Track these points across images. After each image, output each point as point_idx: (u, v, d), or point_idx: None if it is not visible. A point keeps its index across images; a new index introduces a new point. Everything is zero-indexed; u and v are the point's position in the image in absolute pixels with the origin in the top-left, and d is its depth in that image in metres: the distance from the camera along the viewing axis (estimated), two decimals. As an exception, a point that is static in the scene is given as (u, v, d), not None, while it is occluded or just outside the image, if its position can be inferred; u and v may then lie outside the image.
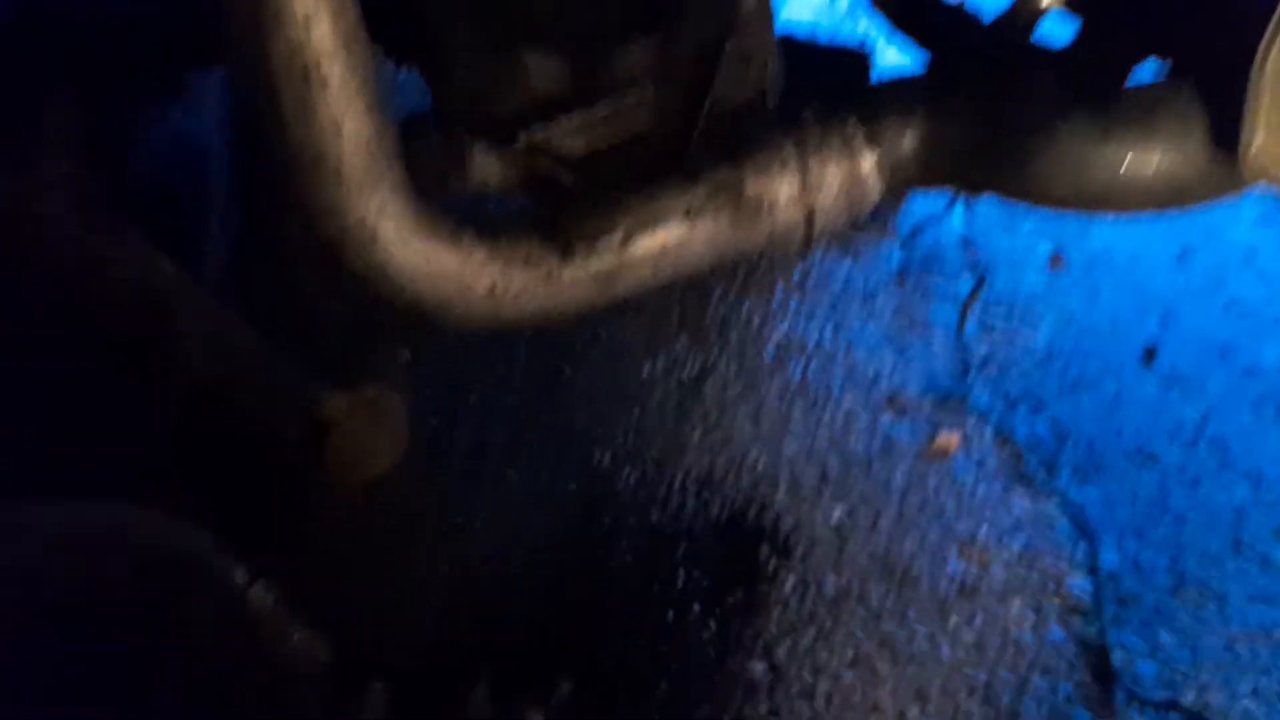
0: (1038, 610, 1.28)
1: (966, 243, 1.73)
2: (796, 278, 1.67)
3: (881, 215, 1.74)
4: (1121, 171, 0.83)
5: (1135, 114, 0.84)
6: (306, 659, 0.90)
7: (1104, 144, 0.83)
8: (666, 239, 0.85)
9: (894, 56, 1.08)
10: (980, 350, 1.57)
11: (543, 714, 1.10)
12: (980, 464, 1.42)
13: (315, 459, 0.93)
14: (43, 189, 0.87)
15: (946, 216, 1.76)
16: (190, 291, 0.91)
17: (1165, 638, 1.26)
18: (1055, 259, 1.69)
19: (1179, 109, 0.84)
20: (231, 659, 0.86)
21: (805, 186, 0.86)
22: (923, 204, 1.77)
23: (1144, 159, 0.83)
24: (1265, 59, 0.68)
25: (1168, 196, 0.87)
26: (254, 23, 0.65)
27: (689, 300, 1.63)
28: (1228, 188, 0.88)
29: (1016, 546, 1.34)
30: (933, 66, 1.04)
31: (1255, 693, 1.22)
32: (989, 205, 1.73)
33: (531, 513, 1.37)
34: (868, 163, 0.87)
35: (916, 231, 1.74)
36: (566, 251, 0.83)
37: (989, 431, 1.46)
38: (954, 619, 1.28)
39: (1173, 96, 0.85)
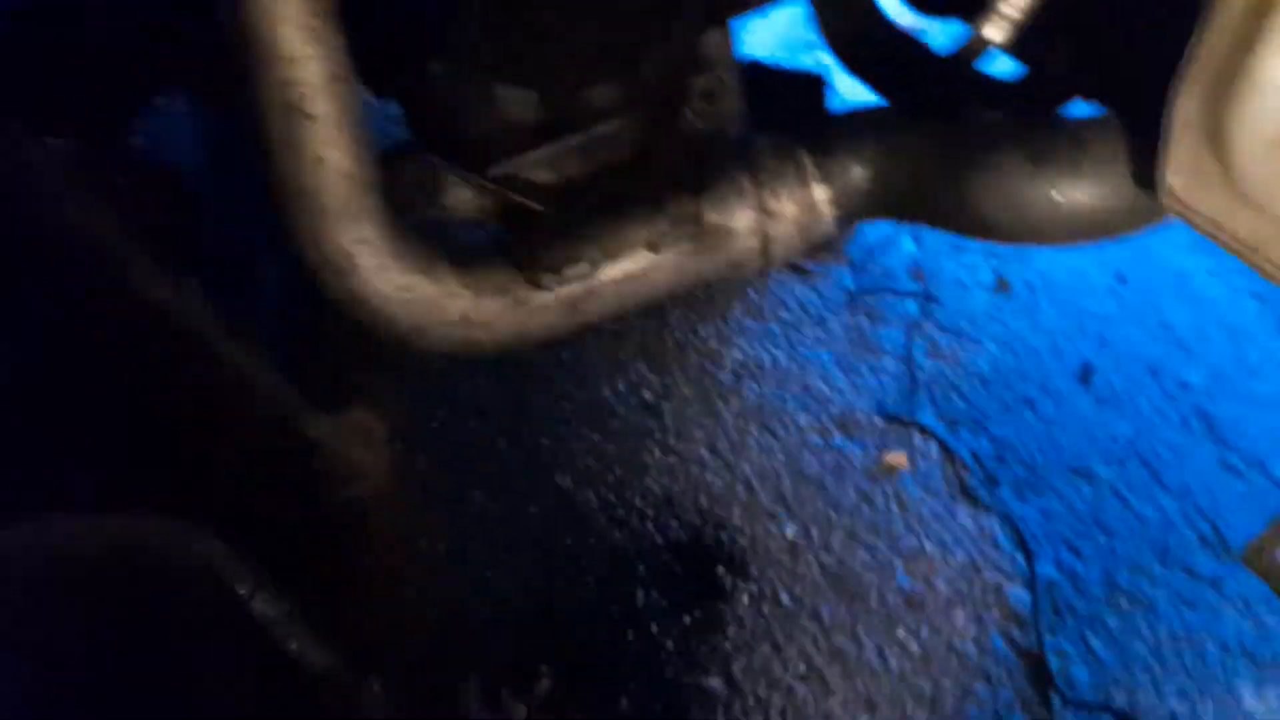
0: (979, 621, 1.33)
1: (915, 267, 1.78)
2: (753, 302, 1.72)
3: (834, 241, 1.78)
4: (1052, 205, 0.87)
5: (1064, 150, 0.88)
6: (308, 663, 0.92)
7: (1035, 178, 0.87)
8: (631, 267, 0.88)
9: (849, 85, 1.13)
10: (927, 371, 1.62)
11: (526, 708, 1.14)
12: (926, 481, 1.47)
13: (304, 475, 0.95)
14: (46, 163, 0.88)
15: (896, 242, 1.81)
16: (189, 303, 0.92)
17: (1098, 644, 1.32)
18: (1001, 283, 1.75)
19: (1105, 146, 0.88)
20: (236, 663, 0.88)
21: (761, 216, 0.90)
22: (873, 230, 1.82)
23: (1072, 192, 0.87)
24: (1175, 106, 0.71)
25: (1096, 228, 0.91)
26: (244, 60, 0.68)
27: (648, 324, 1.66)
28: (1152, 219, 0.92)
29: (960, 560, 1.39)
30: (884, 100, 1.08)
31: (1181, 693, 1.28)
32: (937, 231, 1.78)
33: (495, 535, 1.39)
34: (820, 195, 0.91)
35: (867, 257, 1.79)
36: (536, 280, 0.86)
37: (935, 450, 1.51)
38: (901, 631, 1.32)
39: (1099, 134, 0.89)
